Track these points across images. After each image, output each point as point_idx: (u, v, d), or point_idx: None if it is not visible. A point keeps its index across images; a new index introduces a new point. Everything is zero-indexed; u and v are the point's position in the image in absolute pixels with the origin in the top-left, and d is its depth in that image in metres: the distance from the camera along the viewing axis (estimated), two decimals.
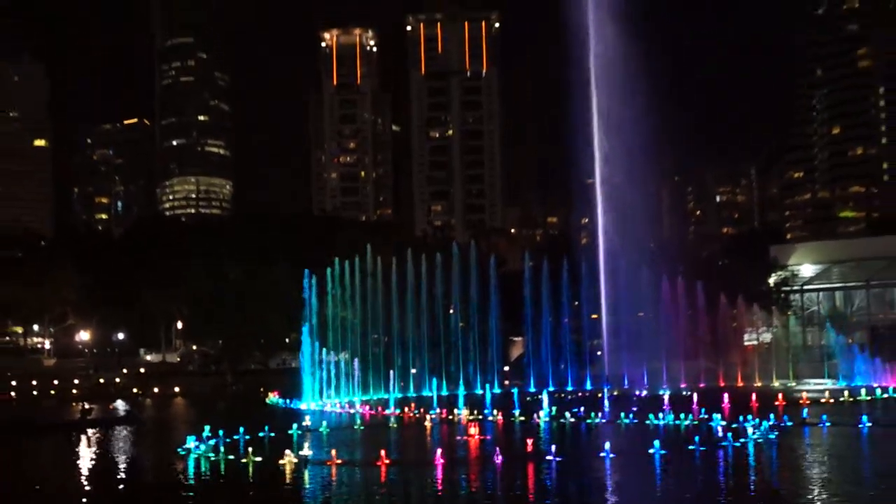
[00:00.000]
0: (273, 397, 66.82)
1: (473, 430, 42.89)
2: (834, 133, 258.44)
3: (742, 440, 35.62)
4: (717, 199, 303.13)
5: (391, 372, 65.01)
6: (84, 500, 29.55)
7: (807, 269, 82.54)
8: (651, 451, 31.87)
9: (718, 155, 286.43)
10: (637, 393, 58.50)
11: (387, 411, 55.38)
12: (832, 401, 53.57)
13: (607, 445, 32.29)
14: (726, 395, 52.33)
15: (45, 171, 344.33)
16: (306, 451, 33.86)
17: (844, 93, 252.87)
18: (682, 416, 44.32)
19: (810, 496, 25.47)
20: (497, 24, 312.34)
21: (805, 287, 78.83)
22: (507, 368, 64.00)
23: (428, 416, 51.08)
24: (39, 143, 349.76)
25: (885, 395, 57.19)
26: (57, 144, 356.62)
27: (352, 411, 58.21)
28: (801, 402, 53.47)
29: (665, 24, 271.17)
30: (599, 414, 48.64)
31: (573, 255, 72.34)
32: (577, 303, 66.22)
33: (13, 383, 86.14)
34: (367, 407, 58.60)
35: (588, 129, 57.73)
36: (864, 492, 26.29)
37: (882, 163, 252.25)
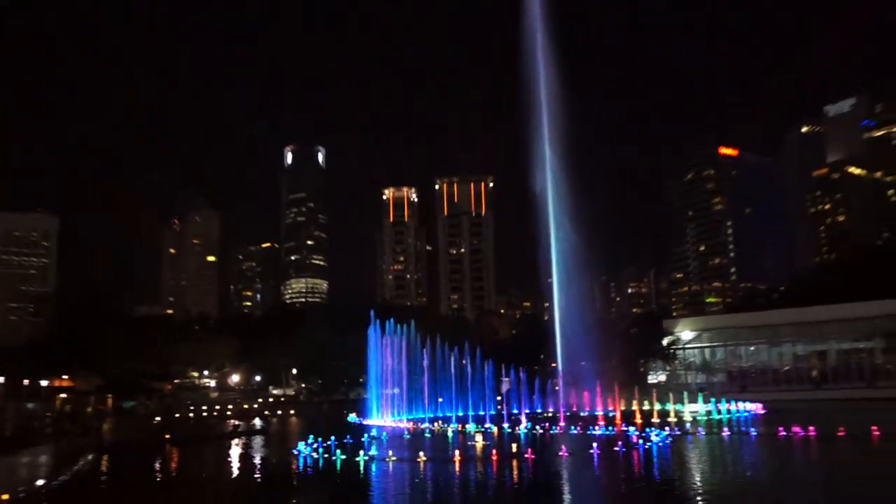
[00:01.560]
0: (352, 416, 73.08)
1: (479, 438, 47.03)
2: (701, 250, 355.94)
3: (648, 444, 39.16)
4: (629, 290, 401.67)
5: (426, 399, 71.57)
6: (233, 480, 34.79)
7: (686, 335, 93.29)
8: (591, 451, 36.14)
9: (630, 263, 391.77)
10: (582, 413, 62.88)
11: (423, 425, 59.94)
12: (703, 418, 59.24)
13: (563, 448, 37.14)
14: (638, 414, 59.04)
15: (214, 276, 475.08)
16: (373, 452, 38.13)
17: (706, 226, 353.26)
18: (610, 428, 49.05)
19: (691, 475, 30.43)
20: (491, 184, 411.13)
21: (685, 346, 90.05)
22: (499, 398, 69.06)
23: (449, 429, 55.81)
24: (211, 258, 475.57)
25: (739, 415, 61.66)
26: (222, 259, 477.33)
27: (401, 426, 62.05)
28: (684, 419, 59.22)
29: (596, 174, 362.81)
30: (558, 427, 53.08)
31: (540, 326, 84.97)
32: (542, 356, 76.74)
33: (191, 408, 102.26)
34: (411, 423, 62.90)
35: (548, 251, 67.87)
36: (723, 471, 32.18)
37: (731, 268, 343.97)
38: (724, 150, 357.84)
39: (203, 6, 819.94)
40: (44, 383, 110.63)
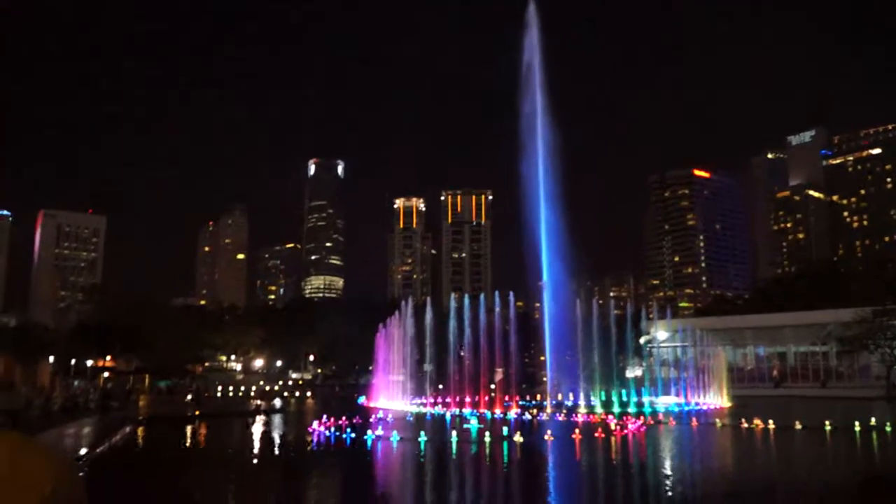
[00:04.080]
0: (362, 398, 74.53)
1: (473, 421, 46.78)
2: (675, 260, 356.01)
3: (625, 431, 39.10)
4: (611, 294, 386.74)
5: (427, 386, 72.06)
6: (255, 454, 34.54)
7: (661, 335, 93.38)
8: (573, 436, 35.56)
9: (612, 270, 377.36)
10: (566, 402, 62.54)
11: (424, 409, 59.90)
12: (675, 409, 57.45)
13: (548, 432, 37.32)
14: (616, 405, 59.25)
15: (242, 271, 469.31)
16: (379, 431, 38.00)
17: (680, 239, 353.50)
18: (591, 415, 49.52)
19: (661, 459, 31.24)
20: (490, 196, 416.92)
21: (660, 345, 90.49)
22: (492, 386, 67.89)
23: (448, 413, 55.86)
24: (240, 256, 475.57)
25: (704, 408, 61.45)
26: (250, 257, 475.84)
27: (406, 409, 61.63)
28: (658, 409, 57.74)
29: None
30: (544, 414, 53.46)
31: (532, 323, 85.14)
32: (532, 350, 76.80)
33: (220, 388, 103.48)
34: (414, 407, 62.68)
35: (540, 257, 68.38)
36: (689, 456, 32.88)
37: (702, 277, 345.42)
38: (698, 172, 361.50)
39: (237, 25, 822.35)
40: (89, 363, 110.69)
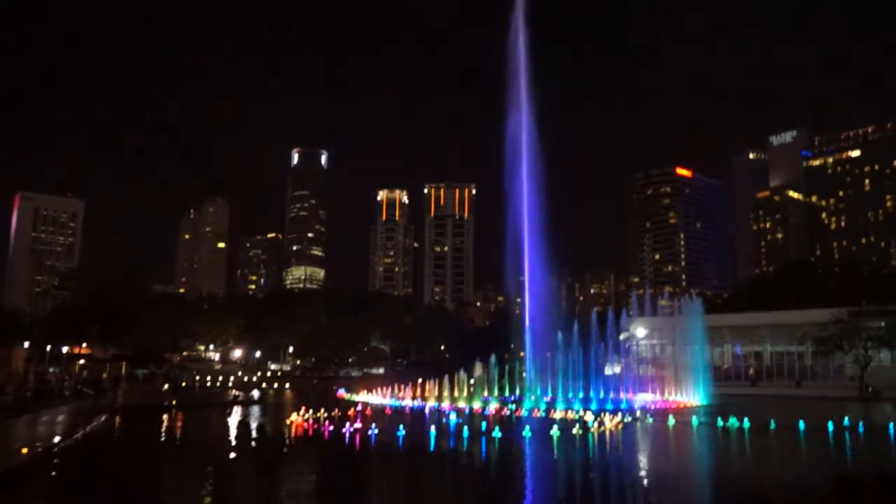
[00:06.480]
0: (341, 390, 74.11)
1: (452, 416, 46.21)
2: (655, 258, 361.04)
3: (603, 429, 38.94)
4: (592, 291, 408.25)
5: (405, 381, 70.81)
6: (232, 444, 35.03)
7: (640, 332, 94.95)
8: (551, 433, 35.47)
9: (593, 267, 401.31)
10: (546, 399, 62.11)
11: (404, 403, 59.82)
12: (651, 407, 56.82)
13: (527, 428, 36.99)
14: (594, 401, 58.55)
15: (223, 260, 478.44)
16: (357, 424, 38.17)
17: (661, 237, 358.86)
18: (569, 412, 48.49)
19: (636, 456, 31.64)
20: (474, 191, 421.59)
21: (639, 342, 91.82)
22: (472, 381, 67.74)
23: (427, 407, 55.82)
24: (221, 245, 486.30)
25: (683, 405, 60.83)
26: (231, 246, 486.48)
27: (385, 402, 61.84)
28: (635, 407, 56.64)
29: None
30: (524, 410, 53.01)
31: (511, 319, 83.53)
32: (512, 346, 75.91)
33: (197, 378, 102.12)
34: (392, 401, 62.65)
35: (521, 251, 68.11)
36: (667, 453, 33.50)
37: (682, 275, 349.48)
38: (680, 171, 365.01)
39: (223, 16, 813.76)
40: (64, 350, 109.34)
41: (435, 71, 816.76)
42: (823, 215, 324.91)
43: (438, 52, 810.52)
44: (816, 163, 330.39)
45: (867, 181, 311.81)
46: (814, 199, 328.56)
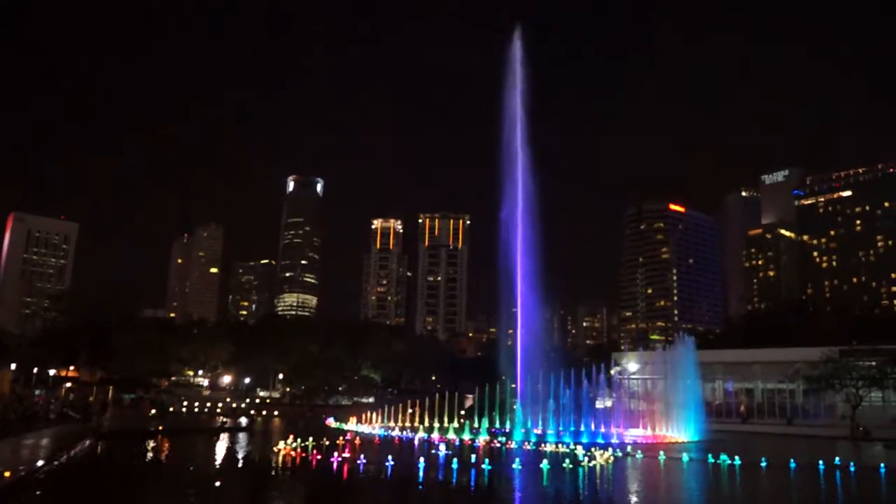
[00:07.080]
0: (330, 419, 73.60)
1: (442, 447, 46.05)
2: (648, 293, 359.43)
3: (593, 462, 38.83)
4: (584, 324, 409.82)
5: (395, 411, 70.63)
6: (217, 471, 34.75)
7: (632, 367, 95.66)
8: (541, 466, 35.35)
9: (586, 300, 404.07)
10: (536, 431, 61.87)
11: (393, 433, 59.51)
12: (642, 442, 56.29)
13: (517, 461, 36.34)
14: (585, 435, 58.37)
15: (215, 286, 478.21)
16: (346, 454, 37.92)
17: (654, 272, 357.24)
18: (559, 446, 48.67)
19: (625, 493, 30.71)
20: (468, 222, 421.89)
21: (630, 377, 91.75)
22: (462, 412, 67.90)
23: (417, 437, 55.56)
24: (213, 270, 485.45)
25: (674, 441, 60.81)
26: (223, 271, 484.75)
27: (374, 432, 61.68)
28: (625, 441, 56.22)
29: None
30: (514, 442, 53.02)
31: (503, 350, 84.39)
32: (504, 377, 72.58)
33: (185, 404, 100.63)
34: (382, 430, 62.73)
35: (514, 283, 68.39)
36: (656, 489, 32.67)
37: (674, 310, 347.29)
38: (674, 207, 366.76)
39: (223, 40, 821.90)
40: (52, 372, 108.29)
41: (432, 102, 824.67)
42: (815, 254, 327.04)
43: (436, 83, 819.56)
44: (808, 202, 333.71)
45: (858, 221, 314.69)
46: (805, 237, 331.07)
